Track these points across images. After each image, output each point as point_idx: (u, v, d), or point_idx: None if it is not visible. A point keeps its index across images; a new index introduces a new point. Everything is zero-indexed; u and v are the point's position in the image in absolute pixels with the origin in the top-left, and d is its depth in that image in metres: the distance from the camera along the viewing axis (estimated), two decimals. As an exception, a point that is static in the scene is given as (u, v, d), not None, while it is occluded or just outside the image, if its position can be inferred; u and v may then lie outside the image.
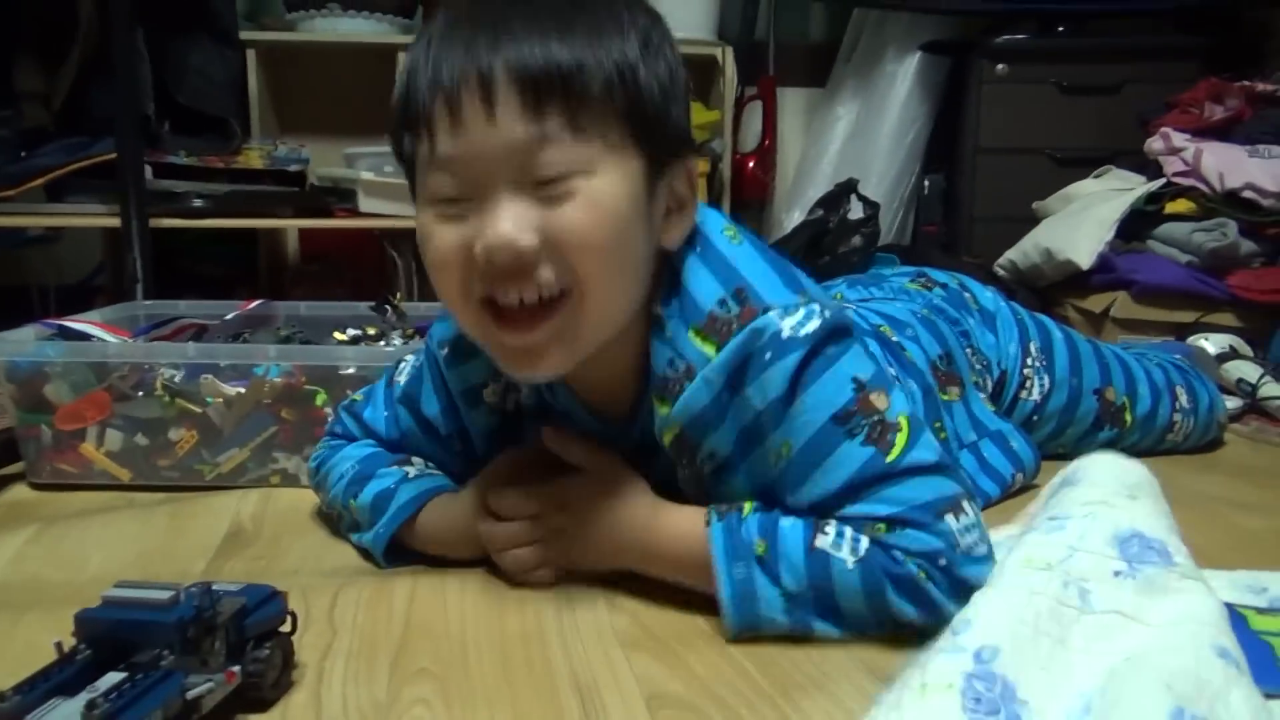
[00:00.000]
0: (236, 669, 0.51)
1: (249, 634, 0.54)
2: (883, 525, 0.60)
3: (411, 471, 0.78)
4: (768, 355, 0.62)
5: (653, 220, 0.63)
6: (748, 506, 0.65)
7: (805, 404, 0.62)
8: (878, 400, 0.63)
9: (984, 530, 0.62)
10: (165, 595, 0.51)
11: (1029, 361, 1.01)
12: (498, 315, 0.61)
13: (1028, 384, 1.01)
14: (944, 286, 1.04)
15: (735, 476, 0.68)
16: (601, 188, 0.59)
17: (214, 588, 0.53)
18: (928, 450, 0.62)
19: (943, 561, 0.59)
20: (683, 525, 0.66)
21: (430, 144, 0.60)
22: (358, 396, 0.85)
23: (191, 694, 0.48)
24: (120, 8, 1.52)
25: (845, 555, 0.60)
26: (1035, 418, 1.02)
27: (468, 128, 0.58)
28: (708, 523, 0.64)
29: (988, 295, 1.06)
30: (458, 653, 0.61)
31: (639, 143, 0.61)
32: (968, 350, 0.97)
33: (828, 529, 0.62)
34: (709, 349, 0.64)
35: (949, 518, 0.60)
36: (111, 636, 0.50)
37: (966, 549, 0.60)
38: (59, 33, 1.61)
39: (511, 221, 0.58)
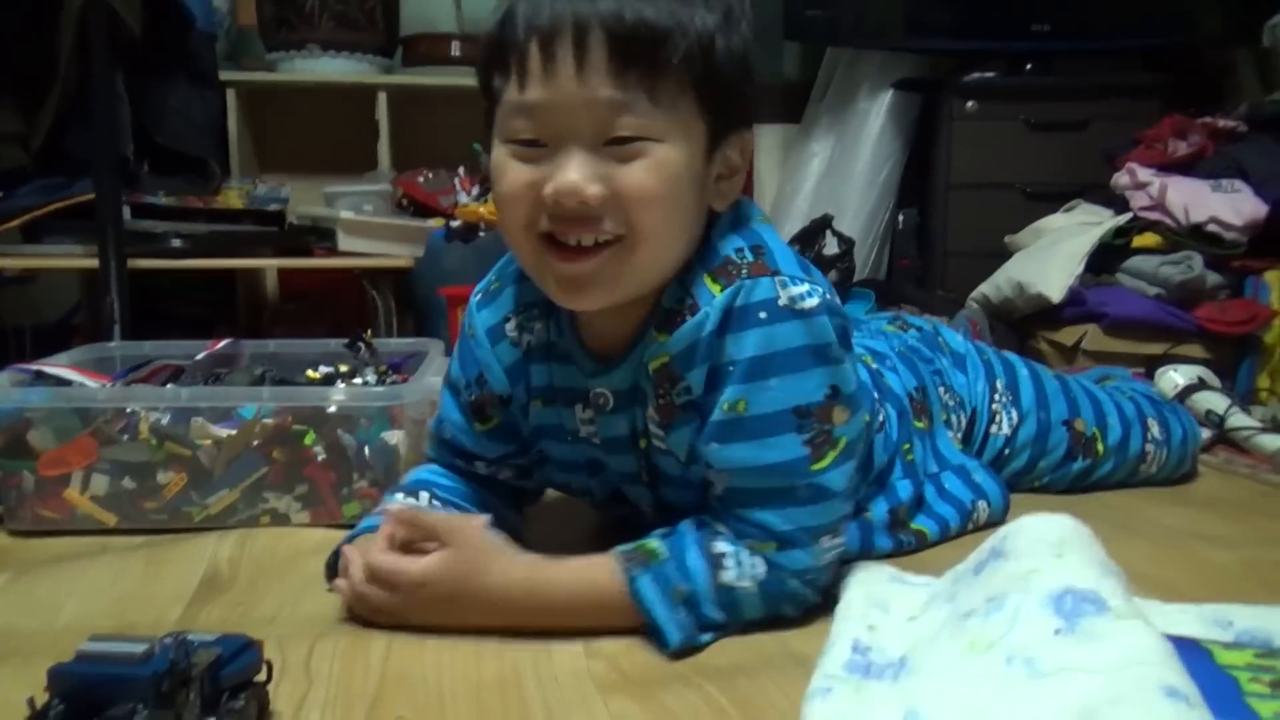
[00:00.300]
0: None
1: (224, 685, 0.53)
2: (774, 544, 0.68)
3: (395, 503, 0.79)
4: (761, 315, 0.67)
5: (706, 183, 0.69)
6: (655, 550, 0.69)
7: (776, 384, 0.67)
8: (838, 414, 0.69)
9: (843, 546, 0.73)
10: (139, 649, 0.51)
11: (996, 398, 1.04)
12: (555, 247, 0.66)
13: (996, 419, 1.04)
14: (919, 329, 1.09)
15: (688, 426, 0.72)
16: (667, 153, 0.64)
17: (189, 639, 0.53)
18: (841, 477, 0.70)
19: (811, 576, 0.71)
20: (583, 576, 0.69)
21: (519, 86, 0.64)
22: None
23: None
24: (100, 50, 1.53)
25: (747, 584, 0.68)
26: (1007, 451, 1.04)
27: (558, 78, 0.62)
28: (630, 577, 0.67)
29: (958, 339, 1.10)
30: (434, 701, 0.61)
31: (706, 111, 0.66)
32: (941, 389, 1.00)
33: (726, 561, 0.68)
34: (716, 289, 0.68)
35: (824, 539, 0.70)
36: (85, 691, 0.50)
37: (828, 565, 0.72)
38: (38, 74, 1.62)
39: (582, 172, 0.63)
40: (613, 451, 0.80)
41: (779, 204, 2.49)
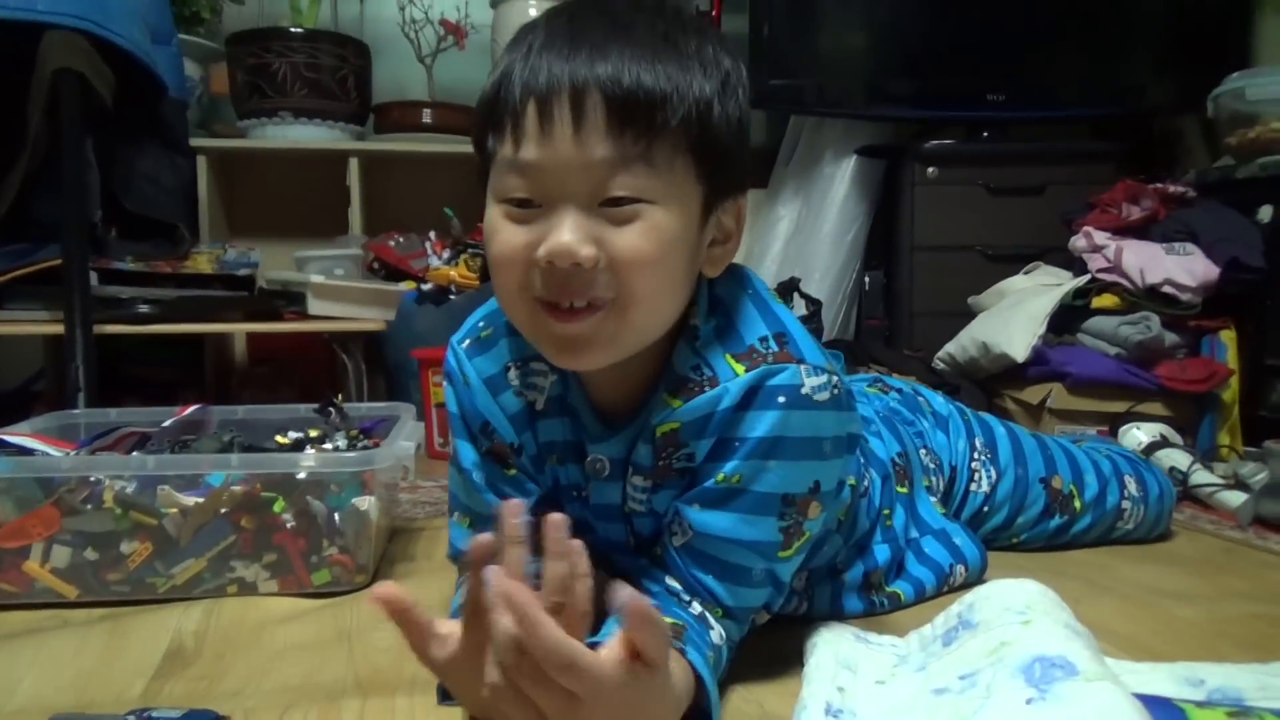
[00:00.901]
0: None
1: None
2: (720, 611, 0.70)
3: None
4: (780, 399, 0.67)
5: (700, 248, 0.69)
6: (679, 624, 0.67)
7: (775, 467, 0.68)
8: (812, 510, 0.71)
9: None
10: None
11: (975, 455, 1.06)
12: (549, 307, 0.66)
13: (976, 476, 1.05)
14: (899, 391, 1.10)
15: (675, 488, 0.72)
16: (662, 215, 0.64)
17: (152, 716, 0.52)
18: (792, 568, 0.73)
19: (738, 641, 0.73)
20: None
21: (514, 145, 0.63)
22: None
23: None
24: (71, 117, 1.54)
25: (722, 644, 0.69)
26: (986, 508, 1.06)
27: (554, 137, 0.62)
28: (680, 648, 0.63)
29: (939, 400, 1.11)
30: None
31: (702, 176, 0.66)
32: (921, 450, 1.01)
33: (710, 620, 0.69)
34: (738, 369, 0.69)
35: (756, 616, 0.74)
36: None
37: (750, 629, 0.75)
38: (5, 140, 1.61)
39: (575, 234, 0.62)
40: (602, 518, 0.79)
41: (748, 265, 2.52)
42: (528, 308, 0.67)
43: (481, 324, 0.80)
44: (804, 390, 0.67)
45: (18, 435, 1.04)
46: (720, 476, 0.68)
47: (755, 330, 0.71)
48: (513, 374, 0.77)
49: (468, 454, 0.79)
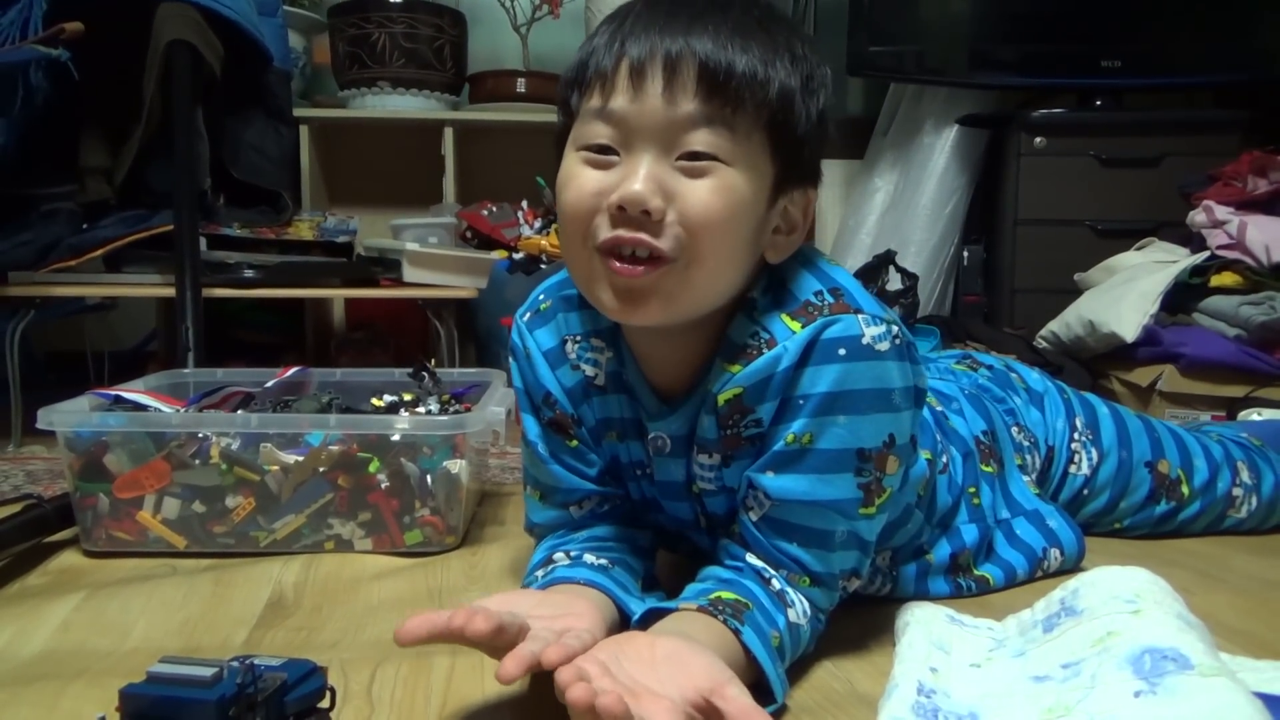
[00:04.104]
0: None
1: (288, 711, 0.54)
2: (807, 580, 0.69)
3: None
4: (841, 351, 0.66)
5: (764, 229, 0.69)
6: (739, 598, 0.66)
7: (845, 422, 0.67)
8: (890, 464, 0.69)
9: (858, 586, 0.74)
10: (208, 673, 0.51)
11: (1075, 436, 1.01)
12: (612, 257, 0.65)
13: (1076, 458, 1.01)
14: (989, 368, 1.06)
15: (749, 459, 0.71)
16: (735, 177, 0.64)
17: (255, 664, 0.54)
18: (877, 527, 0.71)
19: (830, 609, 0.72)
20: (710, 632, 0.62)
21: (603, 98, 0.65)
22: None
23: None
24: (182, 88, 1.59)
25: (802, 621, 0.68)
26: (1086, 492, 1.01)
27: (645, 92, 0.64)
28: (735, 628, 0.63)
29: (1034, 376, 1.07)
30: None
31: (776, 156, 0.67)
32: (1014, 428, 0.97)
33: (789, 598, 0.68)
34: (795, 326, 0.68)
35: (846, 582, 0.72)
36: (155, 713, 0.51)
37: (842, 598, 0.73)
38: (123, 112, 1.68)
39: (648, 184, 0.63)
40: (668, 496, 0.79)
41: (841, 239, 2.47)
42: (589, 256, 0.66)
43: (541, 296, 0.81)
44: (864, 340, 0.66)
45: (133, 392, 1.08)
46: (790, 438, 0.67)
47: (809, 287, 0.70)
48: (570, 347, 0.78)
49: (531, 427, 0.80)
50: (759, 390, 0.68)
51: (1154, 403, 1.59)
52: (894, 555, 0.83)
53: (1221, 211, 1.69)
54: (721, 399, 0.70)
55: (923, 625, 0.73)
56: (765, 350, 0.68)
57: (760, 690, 0.61)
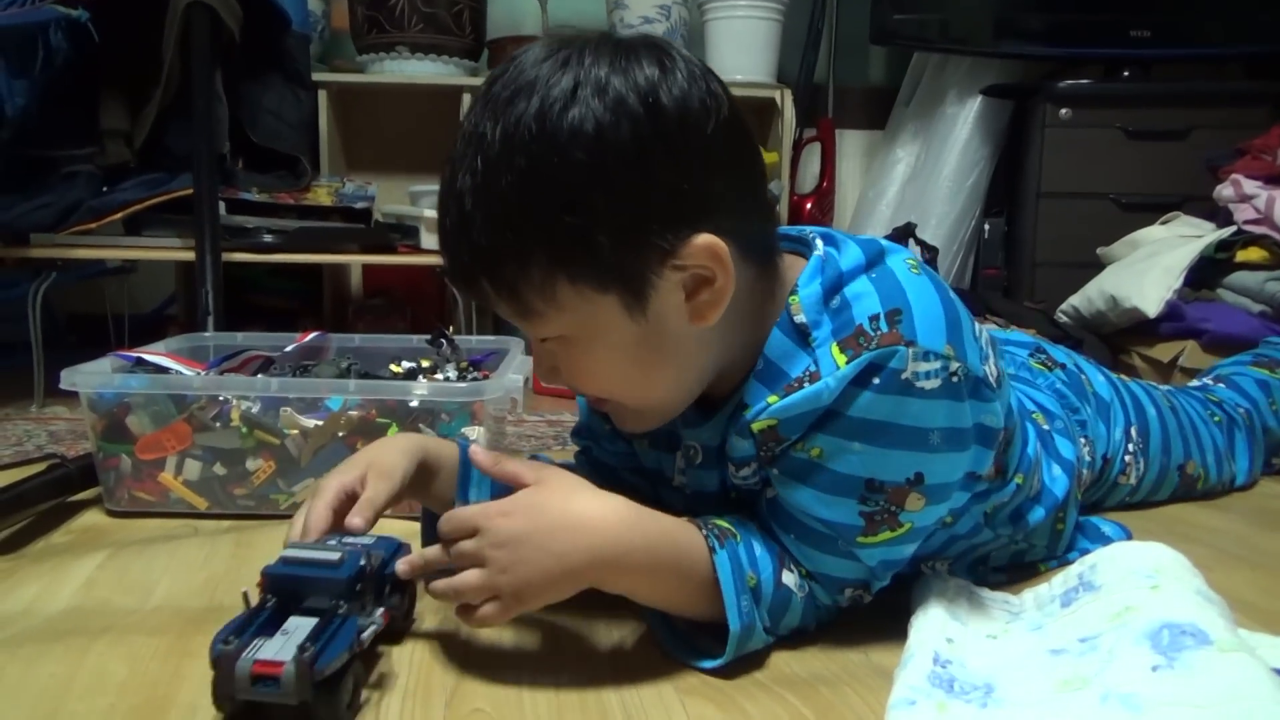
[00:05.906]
0: (381, 611, 0.63)
1: (387, 581, 0.65)
2: (804, 572, 0.68)
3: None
4: (875, 380, 0.62)
5: (667, 321, 0.63)
6: (731, 529, 0.66)
7: (859, 449, 0.63)
8: (913, 500, 0.65)
9: (866, 599, 0.71)
10: (335, 555, 0.61)
11: (1130, 448, 1.01)
12: None
13: (1127, 470, 1.01)
14: (1063, 368, 1.01)
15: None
16: (587, 344, 0.64)
17: (346, 541, 0.64)
18: (886, 556, 0.67)
19: (830, 608, 0.70)
20: (673, 526, 0.64)
21: None
22: None
23: (365, 634, 0.59)
24: (201, 51, 1.59)
25: (798, 592, 0.67)
26: (1128, 498, 1.04)
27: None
28: (711, 548, 0.63)
29: (1101, 380, 1.03)
30: (513, 697, 0.61)
31: (602, 289, 0.61)
32: (1084, 444, 0.94)
33: (789, 562, 0.67)
34: (841, 361, 0.63)
35: (847, 590, 0.69)
36: (290, 588, 0.60)
37: (848, 602, 0.70)
38: (143, 75, 1.68)
39: (540, 368, 0.69)
40: (702, 505, 0.75)
41: (861, 210, 2.45)
42: None
43: None
44: (904, 375, 0.62)
45: (154, 354, 1.09)
46: (803, 447, 0.64)
47: (868, 307, 0.64)
48: None
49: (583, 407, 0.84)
50: (796, 423, 0.64)
51: (1175, 378, 1.58)
52: (951, 565, 0.80)
53: (1250, 185, 1.66)
54: (756, 427, 0.66)
55: (939, 597, 0.73)
56: (808, 384, 0.63)
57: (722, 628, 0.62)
